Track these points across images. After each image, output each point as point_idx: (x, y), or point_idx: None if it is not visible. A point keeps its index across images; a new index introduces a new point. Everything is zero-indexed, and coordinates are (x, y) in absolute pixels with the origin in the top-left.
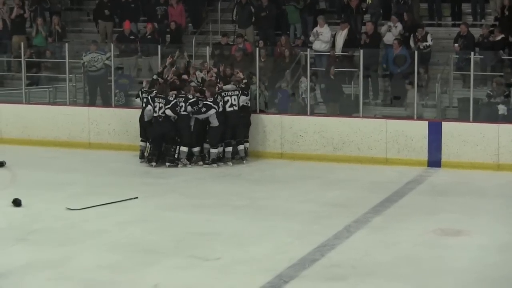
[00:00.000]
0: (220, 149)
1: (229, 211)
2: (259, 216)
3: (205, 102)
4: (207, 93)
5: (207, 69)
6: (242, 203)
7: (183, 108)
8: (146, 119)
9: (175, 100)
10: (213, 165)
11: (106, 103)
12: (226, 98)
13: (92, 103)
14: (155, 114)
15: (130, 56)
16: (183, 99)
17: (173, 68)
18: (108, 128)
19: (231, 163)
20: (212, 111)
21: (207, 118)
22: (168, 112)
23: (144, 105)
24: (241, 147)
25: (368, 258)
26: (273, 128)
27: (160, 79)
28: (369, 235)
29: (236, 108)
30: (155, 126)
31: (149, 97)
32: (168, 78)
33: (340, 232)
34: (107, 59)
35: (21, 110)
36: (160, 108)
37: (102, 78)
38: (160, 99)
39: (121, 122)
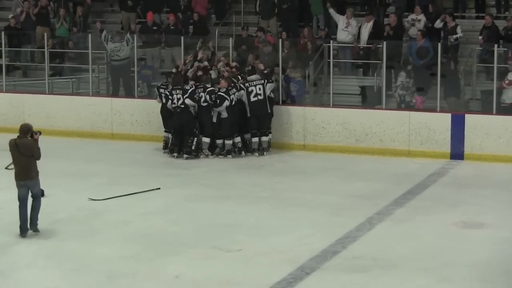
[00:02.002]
0: (238, 139)
1: (251, 202)
2: (281, 208)
3: (218, 93)
4: (221, 83)
5: (224, 61)
6: (265, 194)
7: (203, 98)
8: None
9: (192, 88)
10: (228, 156)
11: (129, 94)
12: (250, 89)
13: (115, 94)
14: (173, 106)
15: (153, 47)
16: (202, 89)
17: (197, 61)
18: (131, 119)
19: (257, 154)
20: (226, 103)
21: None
22: (188, 101)
23: (164, 101)
24: (264, 138)
25: (390, 250)
26: (296, 119)
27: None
28: (391, 227)
29: (261, 97)
30: (175, 118)
31: (167, 92)
32: (190, 70)
33: (362, 224)
34: (131, 48)
35: (44, 100)
36: (178, 99)
37: (125, 69)
38: (177, 91)
39: (144, 113)
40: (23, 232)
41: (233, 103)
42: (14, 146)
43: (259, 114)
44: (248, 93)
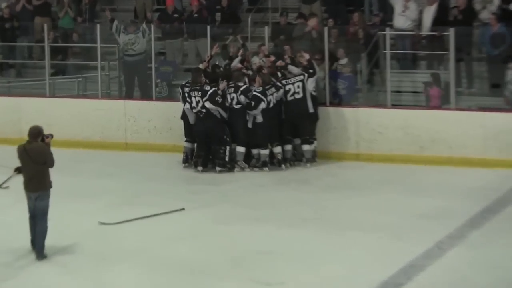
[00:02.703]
0: (278, 148)
1: (295, 224)
2: (331, 231)
3: (253, 93)
4: (258, 81)
5: (264, 53)
6: (311, 214)
7: (235, 100)
8: (191, 121)
9: (213, 89)
10: (264, 168)
11: (146, 96)
12: (288, 87)
13: (129, 96)
14: (194, 110)
15: (174, 39)
16: (233, 89)
17: (237, 61)
18: (148, 126)
19: (285, 166)
20: (262, 105)
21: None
22: (208, 104)
23: (183, 104)
24: (307, 147)
25: (465, 282)
26: (346, 123)
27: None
28: (466, 253)
29: (299, 96)
30: (197, 124)
31: (185, 93)
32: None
33: (430, 250)
34: (148, 41)
35: (45, 105)
36: (197, 102)
37: (140, 65)
38: (195, 92)
39: (164, 118)
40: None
41: (271, 105)
42: (24, 152)
43: (297, 116)
44: (286, 92)
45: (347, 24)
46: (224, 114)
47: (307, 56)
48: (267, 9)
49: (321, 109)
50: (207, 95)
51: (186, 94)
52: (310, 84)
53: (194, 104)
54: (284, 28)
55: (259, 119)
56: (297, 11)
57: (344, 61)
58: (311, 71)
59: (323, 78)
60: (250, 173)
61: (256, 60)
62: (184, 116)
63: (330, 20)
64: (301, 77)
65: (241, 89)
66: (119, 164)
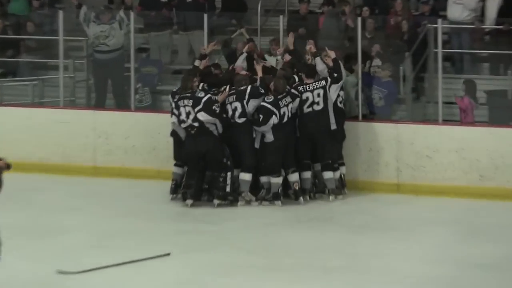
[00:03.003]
0: (294, 176)
1: (316, 276)
2: (365, 284)
3: (262, 103)
4: (272, 88)
5: (280, 51)
6: (337, 262)
7: (238, 111)
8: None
9: (207, 95)
10: (276, 202)
11: (122, 105)
12: (304, 96)
13: (100, 105)
14: (183, 125)
15: (160, 31)
16: (235, 96)
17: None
18: (125, 144)
19: (304, 199)
20: (274, 120)
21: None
22: (202, 116)
23: (171, 118)
24: (330, 174)
25: None
26: (384, 144)
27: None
28: None
29: (318, 107)
30: (187, 143)
31: (172, 103)
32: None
33: None
34: (126, 33)
35: None
36: (188, 114)
37: (116, 65)
38: (185, 100)
39: (146, 134)
40: None
41: (285, 119)
42: None
43: (314, 134)
44: (302, 102)
45: (387, 14)
46: (221, 129)
47: (332, 54)
48: None
49: (351, 125)
50: (201, 104)
51: (174, 107)
52: (334, 92)
53: (183, 117)
54: (305, 19)
55: (270, 137)
56: None
57: (380, 62)
58: (335, 74)
59: (354, 84)
60: (258, 208)
61: (269, 61)
62: (175, 133)
63: (366, 8)
64: (323, 82)
65: (249, 91)
66: (86, 194)
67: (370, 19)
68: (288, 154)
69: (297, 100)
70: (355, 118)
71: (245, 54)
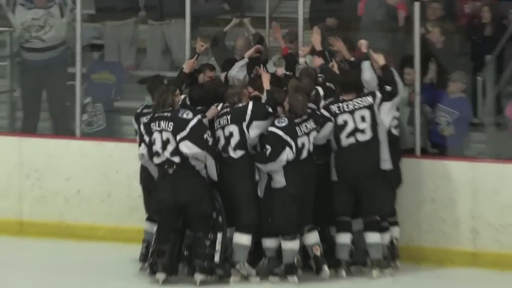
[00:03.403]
0: (313, 236)
1: None
2: None
3: (272, 128)
4: (286, 107)
5: (305, 51)
6: None
7: (234, 139)
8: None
9: (196, 118)
10: (291, 278)
11: (63, 130)
12: (342, 119)
13: (29, 129)
14: (157, 160)
15: (120, 20)
16: (227, 117)
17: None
18: (67, 189)
19: (334, 270)
20: (288, 156)
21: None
22: (187, 147)
23: (141, 150)
24: (375, 237)
25: None
26: (454, 192)
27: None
28: None
29: (365, 137)
30: (161, 187)
31: (141, 125)
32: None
33: None
34: (70, 22)
35: None
36: (165, 143)
37: (54, 70)
38: (162, 122)
39: (97, 173)
40: None
41: (304, 154)
42: None
43: (359, 177)
44: (338, 129)
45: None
46: (213, 170)
47: (381, 59)
48: None
49: (405, 163)
50: (186, 129)
51: (143, 130)
52: (387, 113)
53: (158, 147)
54: (335, 4)
55: (280, 181)
56: None
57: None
58: (388, 88)
59: (408, 102)
60: (262, 287)
61: (280, 69)
62: (144, 173)
63: None
64: (369, 99)
65: (251, 109)
66: (4, 263)
67: (435, 4)
68: (305, 206)
69: (329, 126)
70: (410, 152)
71: (245, 61)
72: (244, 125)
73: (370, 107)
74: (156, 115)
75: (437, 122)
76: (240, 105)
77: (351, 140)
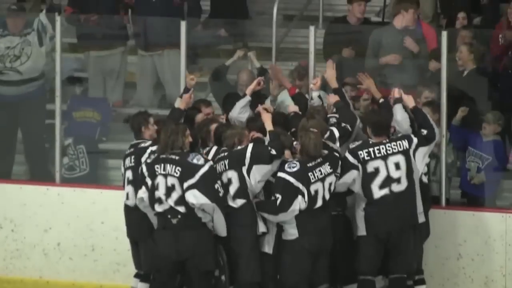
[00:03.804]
0: None
1: None
2: None
3: (281, 174)
4: (298, 147)
5: (318, 84)
6: None
7: (233, 187)
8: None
9: (208, 164)
10: None
11: (40, 175)
12: (372, 165)
13: (3, 174)
14: (159, 207)
15: (107, 49)
16: (225, 162)
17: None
18: (45, 241)
19: None
20: (300, 205)
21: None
22: (195, 197)
23: (133, 199)
24: None
25: None
26: (484, 247)
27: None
28: None
29: (401, 186)
30: (161, 240)
31: (144, 168)
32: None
33: None
34: (49, 51)
35: None
36: (170, 190)
37: (31, 106)
38: (168, 165)
39: (81, 224)
40: None
41: (319, 202)
42: None
43: (393, 232)
44: (369, 177)
45: (495, 23)
46: (222, 224)
47: (411, 101)
48: None
49: (435, 215)
50: (196, 176)
51: (146, 171)
52: (422, 159)
53: (161, 193)
54: (355, 32)
55: (292, 232)
56: None
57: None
58: (424, 132)
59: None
60: None
61: (288, 104)
62: (132, 222)
63: (462, 14)
64: (404, 143)
65: (250, 152)
66: None
67: (465, 32)
68: (321, 262)
69: (352, 173)
70: (434, 202)
71: (247, 99)
72: (244, 170)
73: (405, 153)
74: (161, 156)
75: (467, 168)
76: (239, 147)
77: (385, 191)
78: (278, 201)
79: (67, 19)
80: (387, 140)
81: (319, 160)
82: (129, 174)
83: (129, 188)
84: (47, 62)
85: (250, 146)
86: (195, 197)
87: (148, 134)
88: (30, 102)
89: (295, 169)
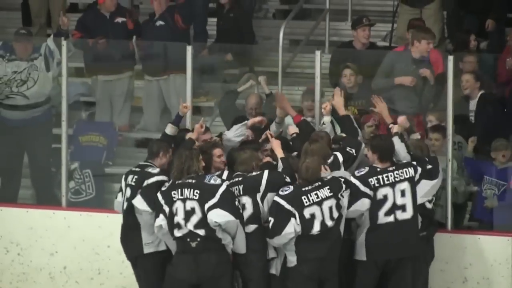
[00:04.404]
0: None
1: None
2: None
3: (274, 198)
4: (306, 172)
5: (328, 108)
6: None
7: (246, 212)
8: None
9: (224, 183)
10: None
11: (47, 198)
12: (381, 193)
13: (8, 198)
14: (178, 233)
15: (113, 74)
16: (240, 187)
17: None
18: (51, 265)
19: None
20: (293, 229)
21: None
22: (218, 215)
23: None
24: None
25: None
26: (495, 274)
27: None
28: None
29: (407, 214)
30: (181, 265)
31: (160, 197)
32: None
33: None
34: (56, 76)
35: None
36: (189, 214)
37: (37, 131)
38: (186, 190)
39: (87, 248)
40: None
41: (316, 228)
42: None
43: (394, 258)
44: (377, 204)
45: (502, 48)
46: (242, 244)
47: (433, 119)
48: (319, 12)
49: (440, 239)
50: (216, 196)
51: (162, 199)
52: (423, 192)
53: (179, 218)
54: (358, 55)
55: (291, 260)
56: (388, 15)
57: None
58: (429, 167)
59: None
60: None
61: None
62: (131, 243)
63: (472, 37)
64: (410, 171)
65: (266, 179)
66: None
67: (470, 57)
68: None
69: (365, 202)
70: (441, 226)
71: (244, 123)
72: (258, 196)
73: (411, 180)
74: (177, 182)
75: (484, 195)
76: (254, 173)
77: (390, 218)
78: (271, 224)
79: (75, 44)
80: (394, 168)
81: (316, 184)
82: (128, 192)
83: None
84: (53, 87)
85: (266, 173)
86: (219, 216)
87: (160, 162)
88: (36, 126)
89: (287, 192)
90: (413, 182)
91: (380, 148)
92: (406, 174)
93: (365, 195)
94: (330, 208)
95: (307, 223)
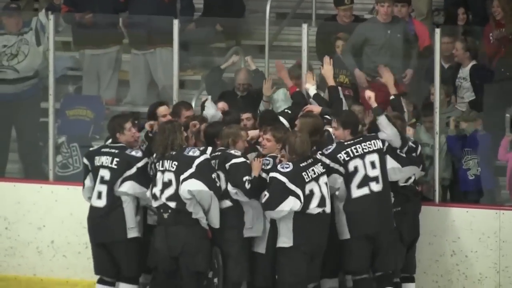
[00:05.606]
0: None
1: None
2: None
3: (273, 173)
4: (287, 148)
5: (311, 79)
6: None
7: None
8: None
9: (204, 155)
10: None
11: (34, 172)
12: (352, 165)
13: None
14: (154, 203)
15: (101, 48)
16: (217, 160)
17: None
18: (38, 239)
19: None
20: (291, 204)
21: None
22: (193, 184)
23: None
24: None
25: None
26: (478, 244)
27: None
28: None
29: (377, 187)
30: (155, 237)
31: (149, 166)
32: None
33: None
34: (45, 50)
35: None
36: (165, 185)
37: (26, 105)
38: (166, 162)
39: (75, 222)
40: None
41: (314, 203)
42: None
43: (378, 233)
44: (349, 176)
45: (486, 20)
46: (216, 219)
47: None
48: None
49: (427, 212)
50: (193, 166)
51: (152, 169)
52: (395, 169)
53: (157, 190)
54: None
55: (285, 241)
56: None
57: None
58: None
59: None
60: None
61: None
62: (111, 233)
63: (461, 10)
64: (378, 143)
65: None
66: None
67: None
68: (314, 263)
69: (335, 178)
70: (430, 200)
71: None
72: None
73: (379, 152)
74: (160, 155)
75: (465, 169)
76: (233, 151)
77: (365, 190)
78: (265, 199)
79: (63, 18)
80: (361, 139)
81: (310, 161)
82: (105, 173)
83: (102, 187)
84: (42, 61)
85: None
86: (192, 185)
87: (124, 139)
88: (24, 100)
89: (288, 169)
90: (381, 154)
91: (352, 124)
92: (375, 146)
93: (335, 170)
94: (326, 184)
95: (307, 199)
